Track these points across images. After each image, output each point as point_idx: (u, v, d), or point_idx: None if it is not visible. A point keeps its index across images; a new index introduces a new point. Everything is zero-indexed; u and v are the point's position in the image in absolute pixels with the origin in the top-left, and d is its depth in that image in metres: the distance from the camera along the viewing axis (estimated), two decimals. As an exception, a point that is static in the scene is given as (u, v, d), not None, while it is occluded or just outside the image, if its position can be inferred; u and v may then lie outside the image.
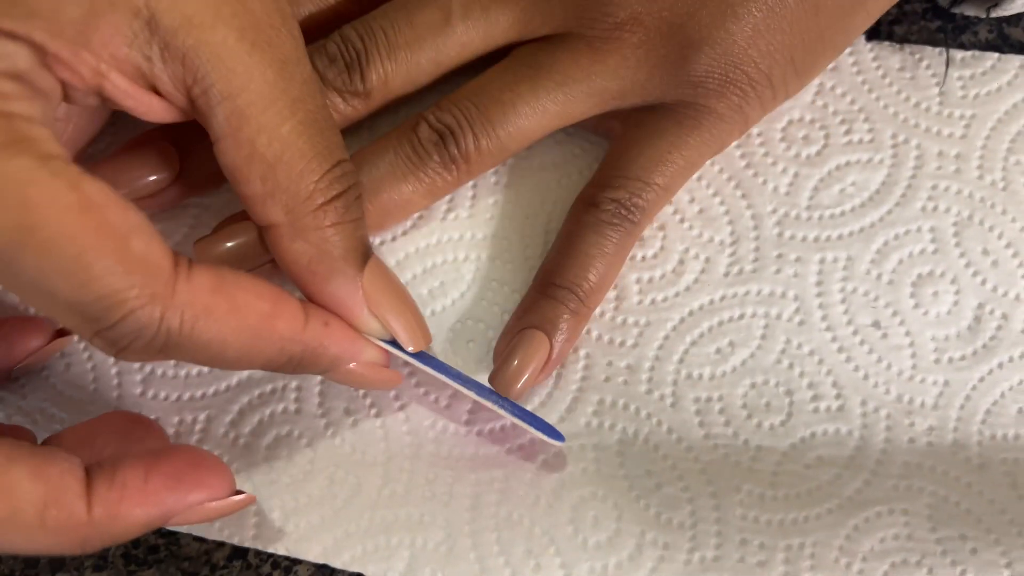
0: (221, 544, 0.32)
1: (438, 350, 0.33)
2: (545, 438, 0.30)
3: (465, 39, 0.31)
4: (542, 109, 0.31)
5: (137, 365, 0.33)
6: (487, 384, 0.31)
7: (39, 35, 0.23)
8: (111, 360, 0.33)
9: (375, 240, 0.34)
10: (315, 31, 0.33)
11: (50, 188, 0.22)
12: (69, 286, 0.22)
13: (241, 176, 0.25)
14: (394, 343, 0.29)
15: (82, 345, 0.33)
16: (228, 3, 0.24)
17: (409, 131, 0.31)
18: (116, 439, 0.28)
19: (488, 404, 0.30)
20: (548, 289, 0.31)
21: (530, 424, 0.30)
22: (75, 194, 0.22)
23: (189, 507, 0.26)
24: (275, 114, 0.25)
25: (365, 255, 0.28)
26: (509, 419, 0.30)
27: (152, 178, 0.31)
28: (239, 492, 0.27)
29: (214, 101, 0.25)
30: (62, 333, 0.31)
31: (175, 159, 0.31)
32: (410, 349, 0.29)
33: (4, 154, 0.22)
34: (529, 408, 0.32)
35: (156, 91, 0.25)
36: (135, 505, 0.25)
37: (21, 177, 0.22)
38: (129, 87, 0.25)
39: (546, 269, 0.32)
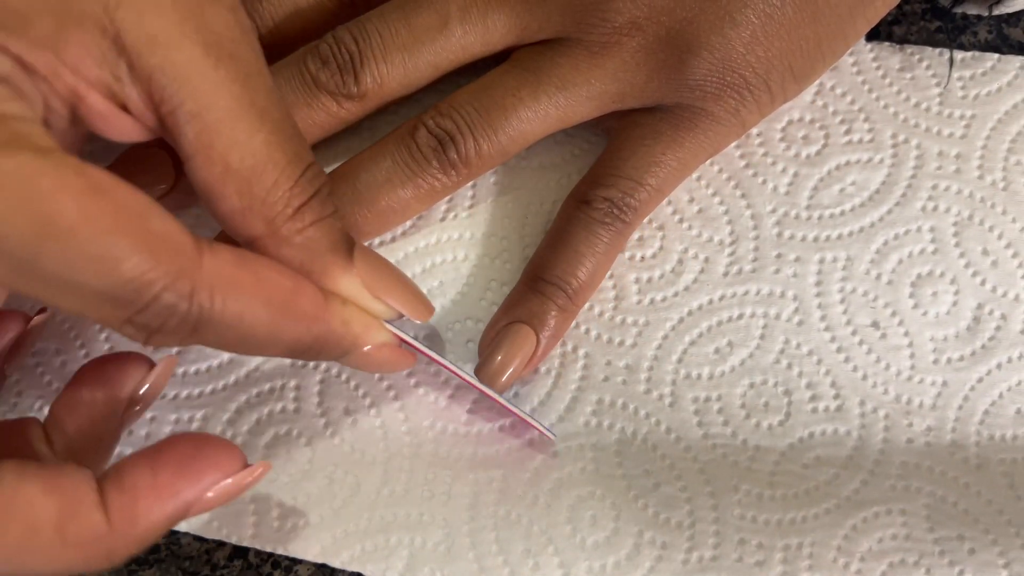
0: (222, 544, 0.32)
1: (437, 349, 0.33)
2: (542, 430, 0.31)
3: (463, 42, 0.31)
4: (543, 113, 0.31)
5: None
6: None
7: (15, 45, 0.23)
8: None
9: (374, 241, 0.34)
10: (308, 34, 0.32)
11: (60, 177, 0.21)
12: (96, 273, 0.22)
13: (216, 193, 0.25)
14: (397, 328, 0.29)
15: (79, 343, 0.33)
16: (191, 19, 0.24)
17: (407, 136, 0.31)
18: (100, 386, 0.27)
19: (488, 392, 0.30)
20: (537, 284, 0.31)
21: (526, 417, 0.31)
22: (85, 180, 0.22)
23: (205, 490, 0.25)
24: (245, 128, 0.24)
25: (350, 244, 0.27)
26: (507, 407, 0.31)
27: (150, 188, 0.31)
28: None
29: (183, 120, 0.24)
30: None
31: (171, 168, 0.31)
32: (418, 321, 0.29)
33: (5, 152, 0.21)
34: (528, 408, 0.32)
35: (126, 110, 0.24)
36: (152, 502, 0.24)
37: (28, 171, 0.21)
38: (104, 107, 0.24)
39: (535, 264, 0.32)
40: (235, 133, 0.24)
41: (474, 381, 0.30)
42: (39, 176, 0.21)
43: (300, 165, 0.26)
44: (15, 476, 0.23)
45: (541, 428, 0.31)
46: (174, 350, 0.33)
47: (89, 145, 0.35)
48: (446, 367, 0.30)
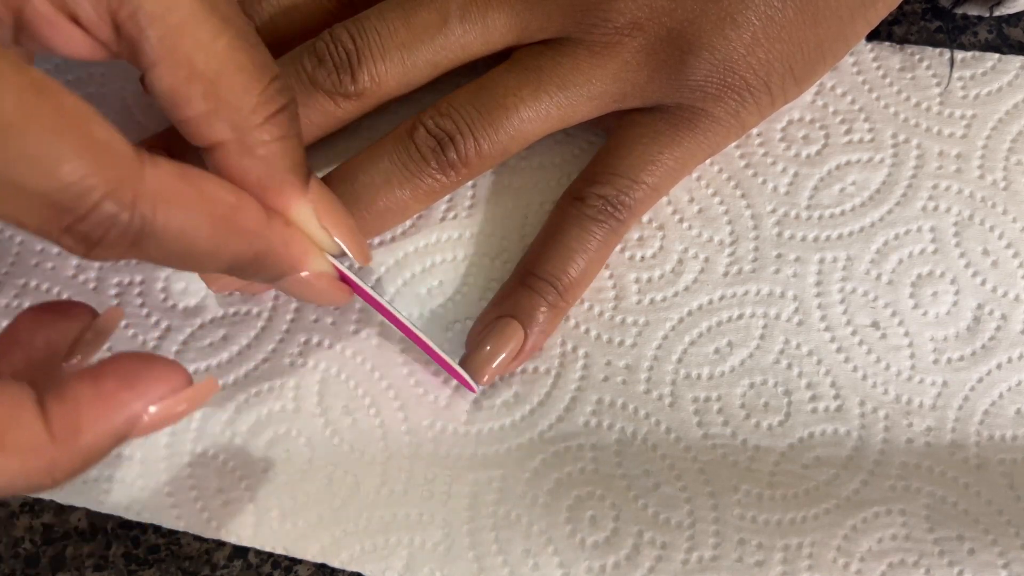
0: (222, 544, 0.32)
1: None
2: (467, 380, 0.31)
3: (463, 41, 0.31)
4: (544, 113, 0.31)
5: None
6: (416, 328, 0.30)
7: None
8: (107, 355, 0.33)
9: (373, 241, 0.34)
10: (306, 32, 0.32)
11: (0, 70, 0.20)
12: (35, 173, 0.21)
13: (181, 98, 0.24)
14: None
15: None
16: None
17: (405, 136, 0.31)
18: (39, 329, 0.26)
19: (417, 335, 0.30)
20: (528, 280, 0.31)
21: (452, 364, 0.31)
22: (26, 76, 0.21)
23: (150, 403, 0.24)
24: (209, 30, 0.24)
25: (307, 171, 0.27)
26: (435, 353, 0.30)
27: None
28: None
29: (144, 22, 0.23)
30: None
31: None
32: (359, 263, 0.28)
33: None
34: (528, 407, 0.32)
35: (77, 22, 0.24)
36: (95, 413, 0.23)
37: None
38: (52, 14, 0.24)
39: (527, 260, 0.32)
40: (199, 35, 0.24)
41: (404, 321, 0.30)
42: None
43: (268, 73, 0.25)
44: None
45: (466, 379, 0.31)
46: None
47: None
48: (379, 304, 0.29)
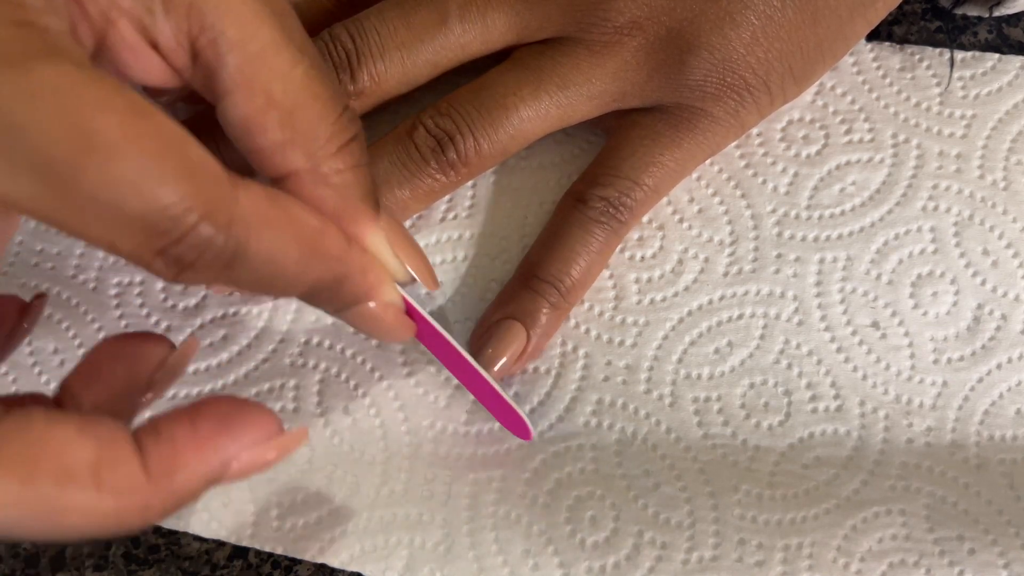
0: (222, 544, 0.32)
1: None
2: (528, 425, 0.30)
3: (462, 41, 0.31)
4: (544, 112, 0.31)
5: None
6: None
7: None
8: None
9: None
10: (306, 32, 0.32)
11: (102, 91, 0.20)
12: (135, 195, 0.20)
13: (257, 127, 0.24)
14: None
15: (77, 342, 0.33)
16: None
17: (405, 136, 0.31)
18: (120, 361, 0.26)
19: (482, 373, 0.30)
20: (530, 282, 0.31)
21: (516, 409, 0.30)
22: (126, 99, 0.21)
23: (244, 448, 0.23)
24: (287, 59, 0.24)
25: (378, 199, 0.27)
26: (503, 398, 0.30)
27: None
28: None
29: (224, 50, 0.24)
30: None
31: None
32: (428, 289, 0.28)
33: (47, 62, 0.20)
34: (527, 408, 0.32)
35: (156, 48, 0.24)
36: (191, 454, 0.23)
37: (69, 82, 0.20)
38: (134, 40, 0.24)
39: (529, 261, 0.32)
40: (277, 64, 0.24)
41: (473, 363, 0.29)
42: (81, 89, 0.20)
43: (340, 102, 0.25)
44: (45, 420, 0.21)
45: (527, 425, 0.30)
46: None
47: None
48: (448, 342, 0.29)
